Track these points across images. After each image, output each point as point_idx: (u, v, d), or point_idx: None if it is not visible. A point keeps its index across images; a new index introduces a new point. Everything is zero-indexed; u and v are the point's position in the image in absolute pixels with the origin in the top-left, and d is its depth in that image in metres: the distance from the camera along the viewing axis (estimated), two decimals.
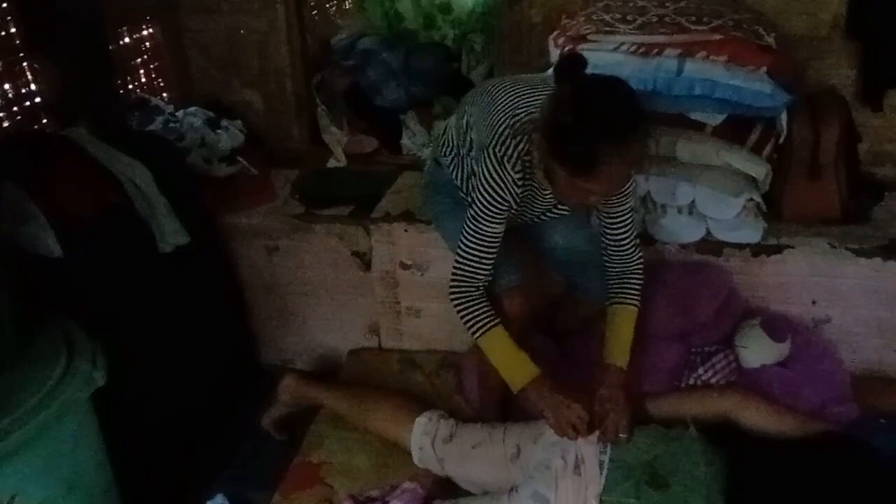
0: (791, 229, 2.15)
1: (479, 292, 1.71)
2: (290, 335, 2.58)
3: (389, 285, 2.39)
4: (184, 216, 2.09)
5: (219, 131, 2.53)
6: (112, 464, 1.88)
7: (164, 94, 2.81)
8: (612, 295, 1.84)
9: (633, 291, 1.83)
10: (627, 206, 1.77)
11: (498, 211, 1.65)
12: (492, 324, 1.70)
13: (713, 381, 1.95)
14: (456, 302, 1.72)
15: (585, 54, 2.08)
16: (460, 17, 3.04)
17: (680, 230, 2.11)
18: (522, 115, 1.63)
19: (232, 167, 2.45)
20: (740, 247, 2.12)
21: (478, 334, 1.71)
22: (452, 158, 1.88)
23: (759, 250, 2.11)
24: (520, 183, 1.63)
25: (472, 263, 1.69)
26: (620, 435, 1.65)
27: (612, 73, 2.03)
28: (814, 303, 2.15)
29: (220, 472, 2.16)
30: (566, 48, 2.17)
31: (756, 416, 1.77)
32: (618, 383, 1.74)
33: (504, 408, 2.02)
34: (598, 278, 1.99)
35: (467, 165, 1.83)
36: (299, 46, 2.70)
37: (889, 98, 2.29)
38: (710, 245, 2.13)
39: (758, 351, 1.98)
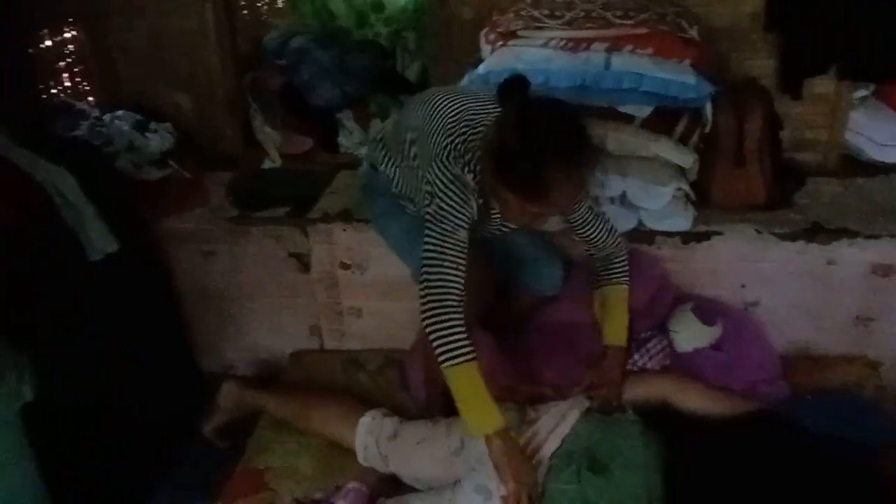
0: (719, 216, 2.21)
1: (458, 314, 1.56)
2: (230, 340, 2.54)
3: (330, 286, 2.38)
4: (113, 223, 2.04)
5: (148, 134, 2.47)
6: (46, 479, 1.82)
7: (90, 98, 2.72)
8: (600, 277, 1.90)
9: (619, 270, 1.88)
10: (584, 207, 1.79)
11: (462, 217, 1.59)
12: (466, 357, 1.55)
13: (649, 366, 2.00)
14: (428, 324, 1.56)
15: (515, 49, 2.14)
16: (393, 15, 3.04)
17: (613, 221, 2.14)
18: (467, 130, 1.61)
19: (163, 171, 2.40)
20: (671, 235, 2.17)
21: (448, 364, 1.55)
22: (392, 168, 1.85)
23: (689, 237, 2.17)
24: (478, 195, 1.62)
25: (444, 276, 1.57)
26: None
27: (542, 68, 2.09)
28: (743, 286, 2.22)
29: (162, 481, 2.12)
30: (497, 44, 2.19)
31: (690, 398, 1.82)
32: (618, 363, 1.82)
33: (450, 402, 2.02)
34: (536, 273, 2.03)
35: (412, 178, 1.78)
36: (229, 46, 2.65)
37: (808, 86, 2.36)
38: (642, 234, 2.18)
39: (690, 335, 2.04)
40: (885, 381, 2.19)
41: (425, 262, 1.59)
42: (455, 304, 1.56)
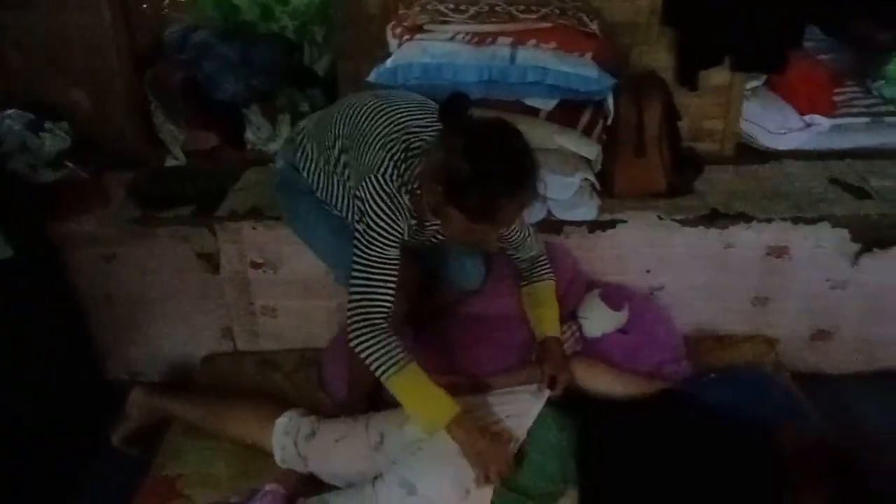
0: (623, 205, 2.27)
1: (383, 326, 1.58)
2: (138, 346, 2.45)
3: (241, 286, 2.33)
4: (6, 228, 1.95)
5: (42, 134, 2.34)
6: None
7: None
8: (526, 276, 1.94)
9: (543, 269, 1.93)
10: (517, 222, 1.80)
11: (395, 237, 1.59)
12: (403, 362, 1.57)
13: None
14: (357, 342, 1.57)
15: (422, 44, 2.15)
16: (298, 8, 2.98)
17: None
18: (406, 146, 1.59)
19: (59, 172, 2.29)
20: (578, 224, 2.22)
21: (387, 374, 1.57)
22: (315, 174, 1.81)
23: (595, 226, 2.23)
24: (413, 215, 1.62)
25: (371, 295, 1.58)
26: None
27: (449, 62, 2.11)
28: (648, 272, 2.30)
29: (71, 494, 2.05)
30: (403, 38, 2.20)
31: (600, 381, 1.87)
32: (558, 351, 1.86)
33: (372, 399, 2.01)
34: (460, 268, 2.04)
35: (338, 187, 1.76)
36: (127, 41, 2.55)
37: (704, 78, 2.45)
38: (551, 224, 2.22)
39: (598, 320, 2.09)
40: (781, 357, 2.32)
41: (353, 281, 1.60)
42: (382, 319, 1.58)
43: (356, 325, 1.58)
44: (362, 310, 1.58)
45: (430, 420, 1.61)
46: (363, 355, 1.58)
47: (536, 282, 1.93)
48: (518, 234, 1.84)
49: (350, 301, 1.60)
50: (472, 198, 1.46)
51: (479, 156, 1.45)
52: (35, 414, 2.06)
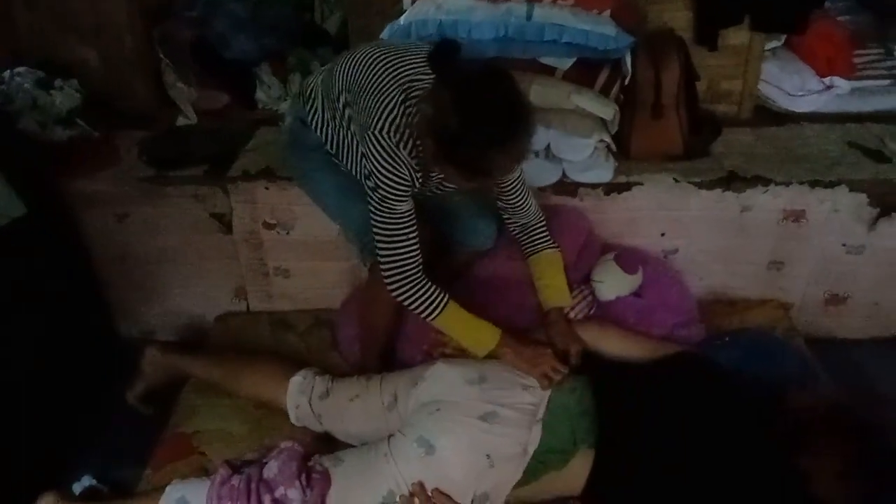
0: (639, 167, 2.24)
1: (419, 274, 1.68)
2: (151, 306, 2.47)
3: (254, 246, 2.33)
4: (18, 186, 1.94)
5: (52, 92, 2.33)
6: None
7: None
8: (527, 246, 1.94)
9: (543, 237, 1.93)
10: (517, 172, 1.79)
11: (404, 191, 1.61)
12: (444, 302, 1.71)
13: (572, 315, 2.02)
14: (400, 294, 1.69)
15: (437, 0, 2.10)
16: None
17: (538, 174, 2.15)
18: (405, 96, 1.57)
19: (70, 130, 2.28)
20: (593, 186, 2.20)
21: (433, 316, 1.71)
22: (324, 128, 1.80)
23: (610, 188, 2.20)
24: (416, 166, 1.61)
25: (399, 250, 1.65)
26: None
27: (464, 19, 2.06)
28: (662, 235, 2.28)
29: (87, 451, 2.06)
30: None
31: (614, 344, 1.87)
32: (563, 322, 1.88)
33: (385, 359, 2.03)
34: (472, 229, 2.03)
35: (346, 140, 1.75)
36: None
37: (723, 38, 2.40)
38: (565, 186, 2.20)
39: (612, 284, 2.08)
40: (794, 321, 2.31)
41: (378, 242, 1.67)
42: (414, 268, 1.68)
43: (393, 282, 1.68)
44: (394, 266, 1.67)
45: (481, 344, 1.75)
46: (407, 305, 1.71)
47: (536, 252, 1.93)
48: (517, 192, 1.84)
49: (380, 260, 1.68)
50: (463, 152, 1.44)
51: (468, 108, 1.41)
52: (50, 372, 2.07)
